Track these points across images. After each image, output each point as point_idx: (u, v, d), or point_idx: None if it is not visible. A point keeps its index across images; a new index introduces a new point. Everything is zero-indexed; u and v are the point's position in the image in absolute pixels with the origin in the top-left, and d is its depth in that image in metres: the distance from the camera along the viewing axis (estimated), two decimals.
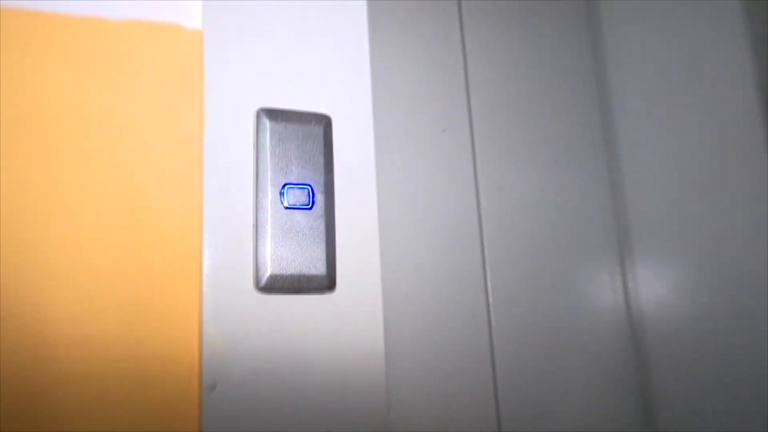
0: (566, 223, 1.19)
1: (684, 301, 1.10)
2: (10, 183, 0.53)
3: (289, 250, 0.57)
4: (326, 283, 0.58)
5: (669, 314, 1.13)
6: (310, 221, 0.58)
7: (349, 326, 0.58)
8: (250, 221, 0.58)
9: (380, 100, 1.00)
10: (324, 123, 0.62)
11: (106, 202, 0.55)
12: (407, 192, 1.03)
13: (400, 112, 1.05)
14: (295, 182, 0.59)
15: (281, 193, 0.59)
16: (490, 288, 1.10)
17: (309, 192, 0.59)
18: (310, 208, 0.59)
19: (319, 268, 0.58)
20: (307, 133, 0.61)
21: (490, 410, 1.02)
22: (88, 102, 0.57)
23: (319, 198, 0.59)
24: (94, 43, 0.59)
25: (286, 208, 0.58)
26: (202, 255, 0.56)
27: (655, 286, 1.15)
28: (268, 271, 0.57)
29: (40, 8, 0.58)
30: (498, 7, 1.16)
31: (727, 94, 1.00)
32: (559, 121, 1.22)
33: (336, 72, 0.65)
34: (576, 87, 1.24)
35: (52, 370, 0.51)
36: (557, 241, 1.17)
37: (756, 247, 0.93)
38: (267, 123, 0.60)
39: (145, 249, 0.55)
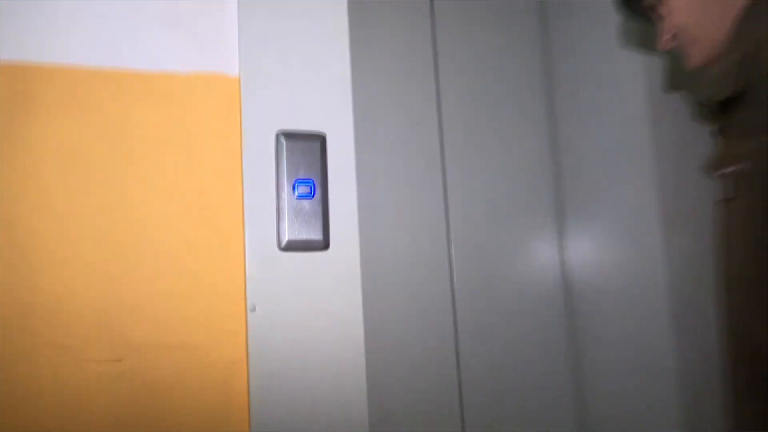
0: (518, 199, 1.51)
1: (598, 259, 1.44)
2: (124, 191, 0.86)
3: (299, 224, 0.91)
4: (323, 245, 0.91)
5: (588, 269, 1.47)
6: (313, 206, 0.91)
7: (337, 272, 0.92)
8: (274, 206, 0.91)
9: (362, 98, 1.32)
10: (321, 139, 0.95)
11: (186, 197, 0.88)
12: (388, 176, 1.36)
13: (381, 110, 1.37)
14: (302, 179, 0.92)
15: (293, 187, 0.91)
16: (453, 253, 1.43)
17: (311, 186, 0.92)
18: (312, 197, 0.92)
19: (318, 236, 0.91)
20: (310, 146, 0.94)
21: (449, 341, 1.37)
22: (169, 129, 0.89)
23: (318, 190, 0.92)
24: (172, 90, 0.90)
25: (297, 197, 0.91)
26: (245, 228, 0.89)
27: (580, 250, 1.49)
28: (286, 237, 0.90)
29: (130, 68, 0.90)
30: (465, 15, 1.46)
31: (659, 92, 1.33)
32: (513, 111, 1.54)
33: (328, 102, 0.97)
34: (526, 82, 1.55)
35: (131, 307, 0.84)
36: (510, 212, 1.50)
37: (647, 223, 1.27)
38: (283, 141, 0.92)
39: (211, 225, 0.89)
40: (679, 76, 1.29)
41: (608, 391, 1.41)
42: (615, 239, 1.37)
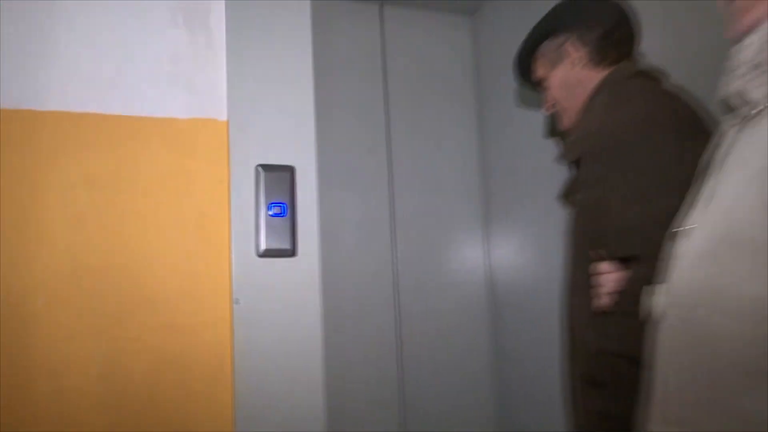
0: (453, 213, 1.80)
1: (514, 260, 1.74)
2: (137, 211, 1.12)
3: (273, 237, 1.18)
4: (291, 252, 1.19)
5: (508, 267, 1.77)
6: (284, 222, 1.19)
7: (302, 273, 1.20)
8: (253, 223, 1.18)
9: (325, 134, 1.58)
10: (291, 170, 1.22)
11: (186, 216, 1.15)
12: (345, 196, 1.64)
13: (340, 143, 1.65)
14: (275, 202, 1.20)
15: (269, 208, 1.19)
16: (398, 252, 1.72)
17: (283, 207, 1.20)
18: (284, 216, 1.19)
19: (288, 245, 1.19)
20: (282, 176, 1.21)
21: (392, 320, 1.65)
22: (172, 163, 1.16)
23: (288, 210, 1.20)
24: (175, 131, 1.17)
25: (271, 216, 1.19)
26: (231, 239, 1.16)
27: (501, 250, 1.79)
28: (263, 246, 1.18)
29: (141, 114, 1.16)
30: (412, 77, 1.74)
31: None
32: (451, 143, 1.82)
33: (296, 140, 1.24)
34: (463, 120, 1.84)
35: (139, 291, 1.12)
36: (447, 224, 1.79)
37: (549, 233, 1.57)
38: (261, 172, 1.20)
39: (206, 237, 1.16)
40: (556, 130, 1.59)
41: (522, 376, 1.72)
42: (527, 246, 1.67)
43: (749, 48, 0.64)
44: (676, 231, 0.71)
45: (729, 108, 0.69)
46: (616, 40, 1.15)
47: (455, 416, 1.74)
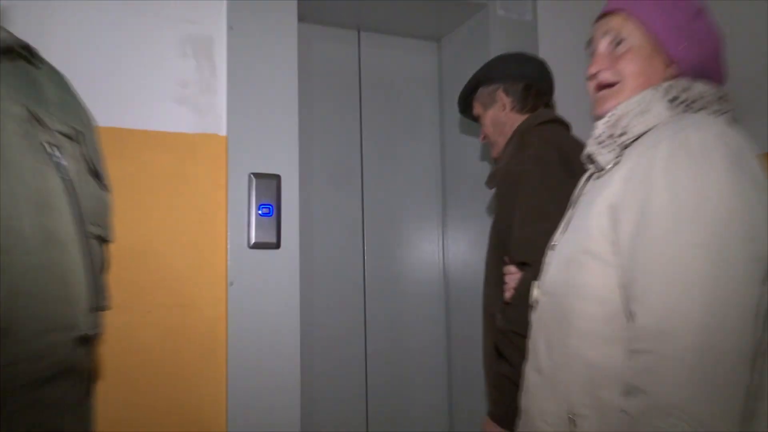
0: (414, 213, 2.08)
1: (464, 259, 2.02)
2: (149, 209, 1.38)
3: (261, 232, 1.45)
4: (276, 245, 1.46)
5: (459, 262, 2.04)
6: (270, 221, 1.46)
7: (284, 262, 1.47)
8: (245, 220, 1.45)
9: (306, 147, 1.83)
10: (277, 178, 1.49)
11: (191, 214, 1.41)
12: (322, 198, 1.91)
13: (319, 155, 1.91)
14: (264, 203, 1.46)
15: (259, 208, 1.46)
16: (366, 245, 1.99)
17: (270, 208, 1.46)
18: (271, 215, 1.46)
19: (273, 239, 1.46)
20: (270, 182, 1.48)
21: (359, 307, 1.92)
22: (179, 170, 1.42)
23: (275, 210, 1.47)
24: (183, 144, 1.43)
25: (260, 215, 1.45)
26: (227, 233, 1.43)
27: (456, 245, 2.06)
28: (253, 239, 1.44)
29: (154, 129, 1.41)
30: (383, 104, 2.00)
31: None
32: (414, 155, 2.09)
33: (283, 152, 1.51)
34: (427, 137, 2.10)
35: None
36: (409, 223, 2.06)
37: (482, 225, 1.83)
38: (253, 179, 1.46)
39: (206, 231, 1.42)
40: (489, 156, 1.88)
41: (472, 367, 1.98)
42: (471, 244, 1.95)
43: (603, 126, 0.93)
44: (550, 245, 1.00)
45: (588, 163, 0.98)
46: (535, 93, 1.45)
47: (412, 388, 2.02)
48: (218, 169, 1.46)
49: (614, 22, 0.95)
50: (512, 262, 1.25)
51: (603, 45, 0.96)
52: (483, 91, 1.51)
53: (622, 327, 0.83)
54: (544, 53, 1.87)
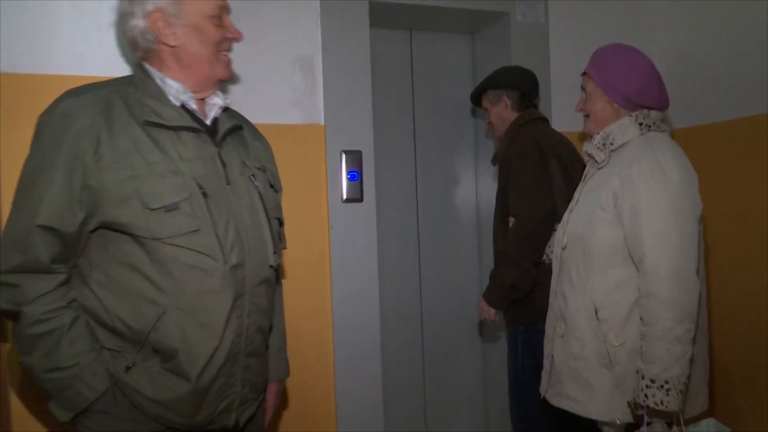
0: (454, 160, 2.72)
1: (488, 196, 2.67)
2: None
3: (350, 190, 2.14)
4: (360, 199, 2.15)
5: (485, 202, 2.70)
6: (356, 183, 2.14)
7: (366, 212, 2.16)
8: (339, 183, 2.13)
9: (377, 130, 2.49)
10: (359, 153, 2.16)
11: (301, 182, 2.10)
12: (389, 163, 2.57)
13: (387, 136, 2.56)
14: (351, 171, 2.14)
15: (348, 174, 2.14)
16: (419, 198, 2.66)
17: (356, 174, 2.15)
18: (356, 179, 2.14)
19: (358, 195, 2.15)
20: (355, 156, 2.15)
21: (414, 241, 2.62)
22: (293, 153, 2.10)
23: (358, 176, 2.15)
24: (296, 133, 2.11)
25: (349, 179, 2.14)
26: (327, 192, 2.12)
27: (484, 190, 2.71)
28: (344, 196, 2.14)
29: (277, 122, 2.09)
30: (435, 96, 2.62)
31: None
32: (453, 110, 2.71)
33: (363, 134, 2.17)
34: (461, 94, 2.72)
35: None
36: (450, 168, 2.71)
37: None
38: (343, 155, 2.14)
39: (313, 192, 2.11)
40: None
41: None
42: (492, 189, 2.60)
43: (599, 138, 1.54)
44: (568, 210, 1.63)
45: (587, 157, 1.60)
46: (527, 98, 2.10)
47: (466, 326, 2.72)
48: (319, 148, 2.14)
49: (585, 79, 1.59)
50: (510, 215, 1.95)
51: (582, 94, 1.60)
52: (490, 93, 2.15)
53: (623, 259, 1.43)
54: (553, 49, 2.47)
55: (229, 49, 1.38)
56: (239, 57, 2.05)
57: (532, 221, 1.87)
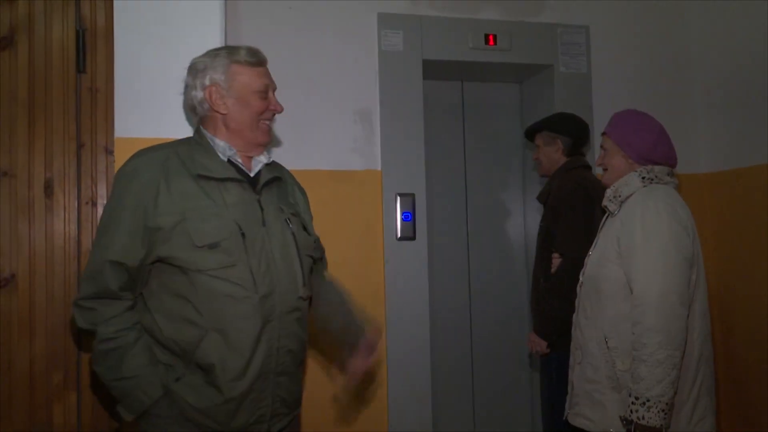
0: (505, 191, 2.90)
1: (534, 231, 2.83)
2: (340, 222, 2.33)
3: (404, 230, 2.37)
4: (413, 238, 2.37)
5: (533, 231, 2.85)
6: (410, 223, 2.37)
7: (419, 249, 2.37)
8: (394, 223, 2.36)
9: (431, 173, 2.71)
10: (413, 196, 2.39)
11: (362, 220, 2.35)
12: (442, 204, 2.79)
13: (439, 177, 2.78)
14: (406, 212, 2.37)
15: (402, 215, 2.37)
16: (469, 237, 2.86)
17: (409, 215, 2.37)
18: (410, 220, 2.37)
19: (411, 234, 2.37)
20: (408, 199, 2.38)
21: (464, 267, 2.81)
22: (354, 196, 2.35)
23: (412, 217, 2.37)
24: (355, 178, 2.36)
25: (403, 219, 2.37)
26: (383, 231, 2.35)
27: (535, 224, 2.87)
28: (399, 235, 2.37)
29: (340, 169, 2.35)
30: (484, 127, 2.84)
31: None
32: (502, 152, 2.90)
33: (416, 179, 2.40)
34: (510, 136, 2.91)
35: None
36: (499, 206, 2.90)
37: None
38: (398, 198, 2.38)
39: (370, 231, 2.35)
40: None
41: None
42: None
43: (610, 192, 1.73)
44: (588, 255, 1.81)
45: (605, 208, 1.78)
46: (578, 145, 2.26)
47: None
48: (376, 191, 2.38)
49: (604, 138, 1.79)
50: (554, 252, 2.12)
51: (602, 150, 1.80)
52: (546, 133, 2.32)
53: (625, 295, 1.61)
54: (595, 97, 2.64)
55: (270, 119, 1.58)
56: (308, 112, 2.35)
57: (580, 260, 2.05)
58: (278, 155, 2.28)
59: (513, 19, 2.60)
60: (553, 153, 2.28)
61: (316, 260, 1.66)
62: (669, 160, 1.73)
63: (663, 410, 1.49)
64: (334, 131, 2.37)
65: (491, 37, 2.55)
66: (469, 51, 2.54)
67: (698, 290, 1.61)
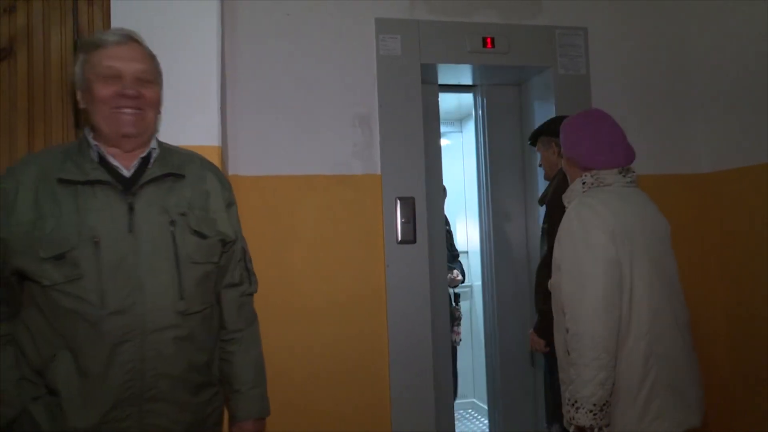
0: (509, 200, 2.91)
1: (537, 228, 2.83)
2: (337, 222, 2.33)
3: (404, 233, 2.37)
4: (413, 241, 2.38)
5: (535, 240, 2.86)
6: (410, 226, 2.37)
7: (419, 252, 2.38)
8: (394, 226, 2.37)
9: (431, 178, 2.71)
10: (413, 199, 2.40)
11: (363, 224, 2.35)
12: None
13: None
14: (405, 215, 2.38)
15: (402, 218, 2.37)
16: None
17: (409, 218, 2.38)
18: (410, 223, 2.37)
19: (411, 238, 2.37)
20: (408, 202, 2.39)
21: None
22: (354, 198, 2.36)
23: (412, 220, 2.38)
24: (356, 181, 2.36)
25: (403, 223, 2.37)
26: (384, 235, 2.36)
27: (536, 226, 2.87)
28: (399, 238, 2.37)
29: (340, 173, 2.36)
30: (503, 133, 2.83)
31: None
32: (504, 152, 2.91)
33: (415, 181, 2.41)
34: (510, 137, 2.91)
35: None
36: (500, 206, 2.90)
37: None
38: (398, 201, 2.38)
39: (371, 234, 2.36)
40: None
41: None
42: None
43: (563, 199, 1.75)
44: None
45: None
46: None
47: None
48: (377, 195, 2.39)
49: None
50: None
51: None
52: (544, 138, 2.32)
53: None
54: (595, 97, 2.64)
55: (133, 107, 1.35)
56: (307, 117, 2.35)
57: None
58: (278, 161, 2.31)
59: (511, 22, 2.60)
60: (551, 156, 2.29)
61: (222, 266, 1.46)
62: (610, 164, 1.72)
63: (591, 410, 1.53)
64: (334, 136, 2.37)
65: (489, 40, 2.55)
66: (467, 54, 2.54)
67: (637, 290, 1.60)
